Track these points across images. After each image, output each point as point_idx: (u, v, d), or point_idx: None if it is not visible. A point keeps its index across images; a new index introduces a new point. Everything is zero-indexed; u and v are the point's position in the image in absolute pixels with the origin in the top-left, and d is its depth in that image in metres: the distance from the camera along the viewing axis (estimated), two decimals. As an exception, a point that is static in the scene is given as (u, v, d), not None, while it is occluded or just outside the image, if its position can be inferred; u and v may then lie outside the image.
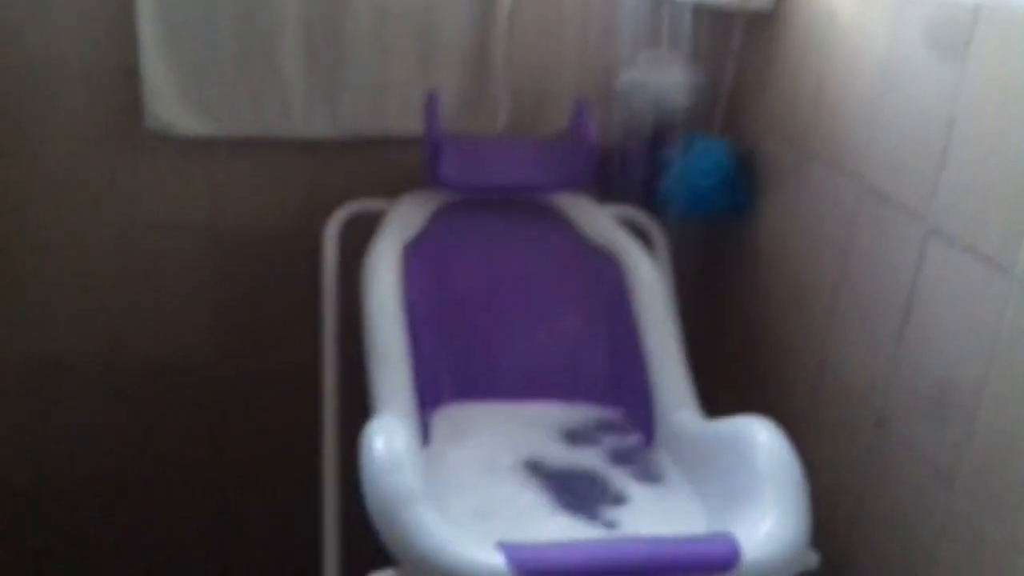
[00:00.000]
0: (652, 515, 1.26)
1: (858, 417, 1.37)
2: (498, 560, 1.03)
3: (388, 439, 1.15)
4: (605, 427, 1.45)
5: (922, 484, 1.24)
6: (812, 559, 1.16)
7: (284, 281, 1.71)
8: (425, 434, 1.37)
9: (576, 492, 1.29)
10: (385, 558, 1.10)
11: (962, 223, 1.17)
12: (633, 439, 1.43)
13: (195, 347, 1.79)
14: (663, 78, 1.65)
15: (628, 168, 1.70)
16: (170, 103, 1.58)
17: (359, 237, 1.53)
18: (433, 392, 1.43)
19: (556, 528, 1.22)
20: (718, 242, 1.81)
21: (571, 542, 1.10)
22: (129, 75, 1.56)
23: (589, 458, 1.38)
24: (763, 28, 1.67)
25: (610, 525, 1.23)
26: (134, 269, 1.72)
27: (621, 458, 1.38)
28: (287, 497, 1.54)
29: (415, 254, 1.50)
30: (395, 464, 1.12)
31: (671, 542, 1.10)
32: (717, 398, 1.45)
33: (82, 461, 1.84)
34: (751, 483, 1.18)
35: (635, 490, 1.31)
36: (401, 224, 1.53)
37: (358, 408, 1.33)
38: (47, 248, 1.68)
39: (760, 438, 1.22)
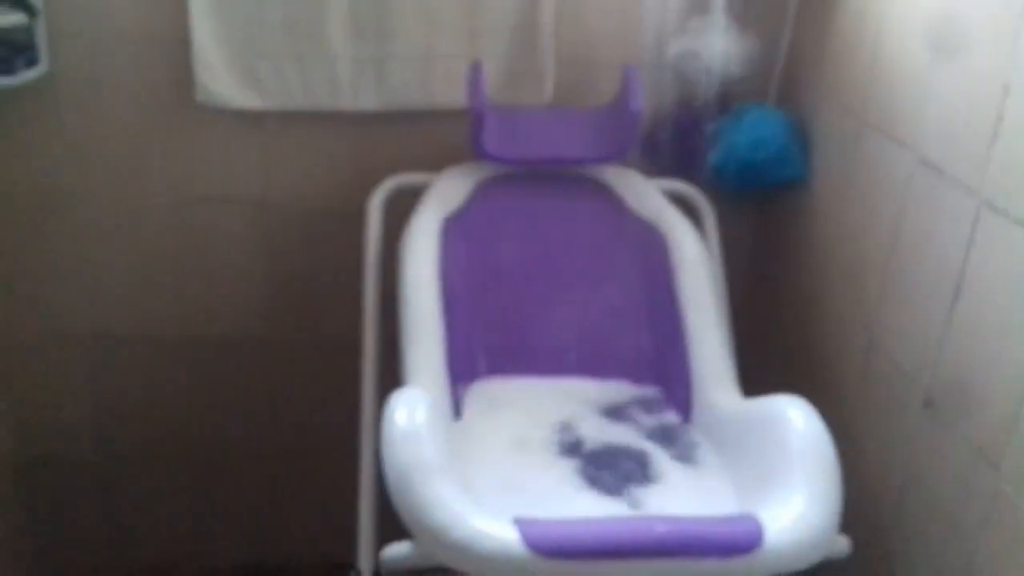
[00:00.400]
0: (681, 495, 1.23)
1: (907, 397, 1.32)
2: (512, 536, 1.02)
3: (408, 411, 1.14)
4: (641, 404, 1.42)
5: (968, 467, 1.18)
6: (842, 545, 1.12)
7: (333, 253, 1.72)
8: (457, 408, 1.36)
9: (605, 470, 1.27)
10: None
11: (1016, 196, 1.11)
12: (669, 417, 1.40)
13: (247, 317, 1.82)
14: (715, 47, 1.60)
15: (678, 140, 1.66)
16: (220, 76, 1.59)
17: (404, 210, 1.52)
18: (467, 366, 1.42)
19: (581, 505, 1.20)
20: (770, 216, 1.75)
21: (588, 520, 1.08)
22: (182, 48, 1.57)
23: (622, 435, 1.35)
24: (820, -6, 1.60)
25: (636, 504, 1.20)
26: (188, 241, 1.75)
27: (655, 437, 1.35)
28: (334, 465, 1.55)
29: (455, 228, 1.49)
30: (413, 436, 1.11)
31: (691, 523, 1.07)
32: (766, 377, 1.41)
33: (142, 429, 1.89)
34: (782, 464, 1.14)
35: (667, 469, 1.28)
36: (442, 197, 1.52)
37: (398, 380, 1.32)
38: (106, 222, 1.72)
39: (793, 418, 1.18)
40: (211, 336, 1.82)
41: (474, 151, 1.52)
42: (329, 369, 1.72)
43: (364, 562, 1.45)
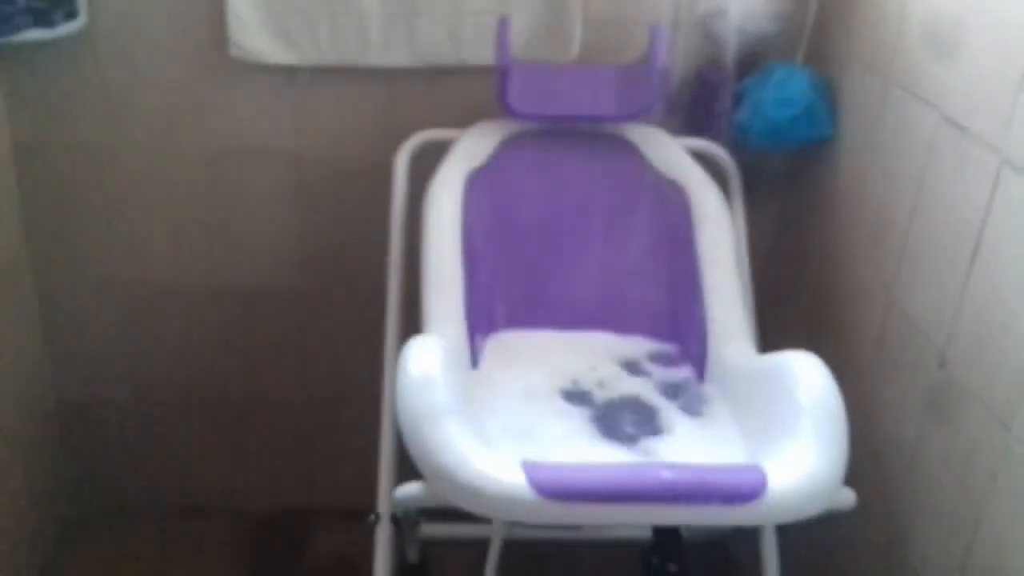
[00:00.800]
0: (690, 446, 1.25)
1: (923, 358, 1.32)
2: (519, 479, 1.04)
3: (421, 356, 1.17)
4: (657, 359, 1.44)
5: (980, 428, 1.19)
6: (848, 497, 1.13)
7: (363, 206, 1.75)
8: (475, 358, 1.39)
9: (616, 420, 1.29)
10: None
11: (1036, 155, 1.11)
12: (684, 372, 1.41)
13: (278, 268, 1.86)
14: (745, 5, 1.59)
15: (704, 99, 1.66)
16: (253, 32, 1.62)
17: (433, 165, 1.54)
18: (487, 318, 1.44)
19: (590, 453, 1.22)
20: (795, 176, 1.75)
21: (594, 465, 1.11)
22: (216, 4, 1.60)
23: (636, 388, 1.37)
24: (851, -49, 1.59)
25: (646, 454, 1.22)
26: (221, 193, 1.79)
27: (669, 391, 1.37)
28: (360, 414, 1.59)
29: (479, 182, 1.50)
30: (425, 380, 1.14)
31: (696, 470, 1.09)
32: (786, 336, 1.41)
33: (175, 375, 1.95)
34: (789, 416, 1.15)
35: (679, 422, 1.30)
36: (467, 152, 1.53)
37: (420, 331, 1.34)
38: (141, 174, 1.76)
39: (801, 372, 1.19)
40: (242, 286, 1.87)
41: (500, 107, 1.53)
42: (357, 320, 1.75)
43: (383, 506, 1.49)
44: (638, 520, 1.09)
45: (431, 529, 1.76)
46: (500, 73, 1.51)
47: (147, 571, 1.95)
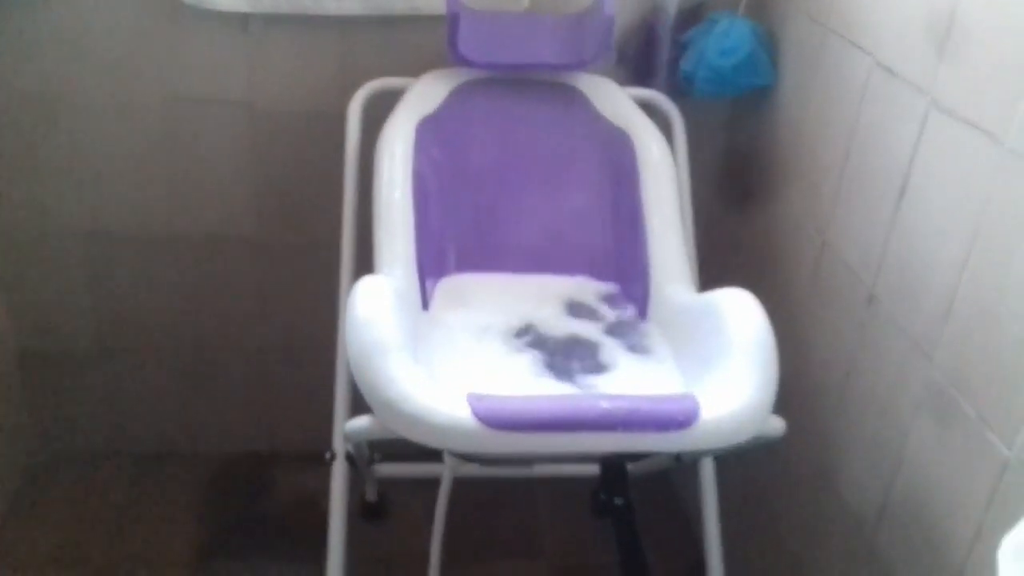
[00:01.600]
0: (631, 381, 1.30)
1: (852, 294, 1.38)
2: (463, 408, 1.09)
3: (368, 295, 1.21)
4: (602, 299, 1.49)
5: (904, 359, 1.25)
6: (777, 425, 1.19)
7: (318, 155, 1.77)
8: (426, 302, 1.43)
9: (563, 359, 1.33)
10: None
11: (962, 95, 1.15)
12: (627, 312, 1.46)
13: (235, 217, 1.88)
14: (690, -45, 1.63)
15: (651, 49, 1.70)
16: (205, -22, 1.64)
17: (386, 114, 1.56)
18: (437, 262, 1.48)
19: (536, 389, 1.27)
20: (738, 123, 1.80)
21: (536, 396, 1.15)
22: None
23: (581, 328, 1.42)
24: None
25: (588, 389, 1.27)
26: (177, 142, 1.81)
27: (613, 330, 1.42)
28: (319, 358, 1.62)
29: (429, 129, 1.53)
30: (372, 316, 1.18)
31: (632, 399, 1.14)
32: (727, 277, 1.46)
33: (137, 323, 1.98)
34: (721, 349, 1.21)
35: (621, 359, 1.35)
36: (418, 100, 1.56)
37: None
38: (96, 122, 1.77)
39: (734, 307, 1.25)
40: (201, 234, 1.90)
41: (449, 55, 1.56)
42: (315, 265, 1.78)
43: (338, 444, 1.54)
44: (578, 449, 1.13)
45: (387, 469, 1.81)
46: (449, 21, 1.53)
47: (112, 516, 1.98)
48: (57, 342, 1.98)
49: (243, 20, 1.69)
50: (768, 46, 1.64)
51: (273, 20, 1.70)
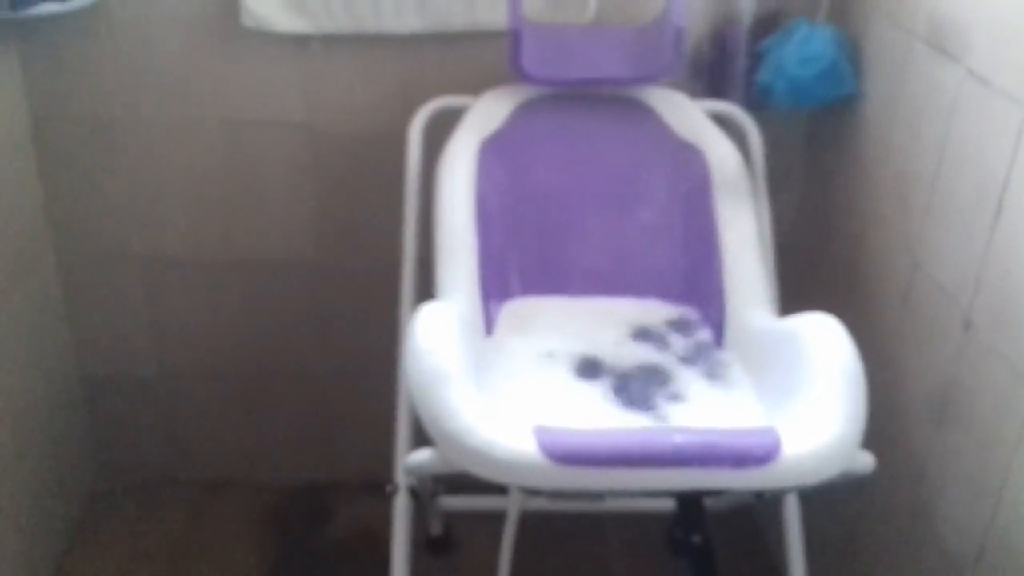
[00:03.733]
0: (707, 412, 1.22)
1: (947, 319, 1.29)
2: (530, 444, 1.03)
3: (430, 322, 1.16)
4: (674, 324, 1.41)
5: (1005, 388, 1.16)
6: (866, 461, 1.10)
7: (378, 177, 1.72)
8: (489, 326, 1.37)
9: (634, 388, 1.26)
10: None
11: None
12: (702, 337, 1.38)
13: (295, 240, 1.85)
14: (764, -38, 1.56)
15: (725, 61, 1.62)
16: (264, 0, 1.60)
17: (447, 133, 1.52)
18: (501, 285, 1.42)
19: (605, 419, 1.20)
20: (820, 137, 1.71)
21: (605, 430, 1.09)
22: (226, -27, 1.60)
23: (654, 354, 1.34)
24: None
25: (662, 420, 1.20)
26: (237, 166, 1.78)
27: (688, 356, 1.34)
28: (381, 386, 1.58)
29: (493, 149, 1.48)
30: (434, 345, 1.13)
31: (707, 433, 1.07)
32: (809, 300, 1.38)
33: (197, 349, 1.96)
34: (805, 379, 1.13)
35: (696, 388, 1.27)
36: (481, 119, 1.51)
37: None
38: (156, 146, 1.76)
39: (817, 334, 1.17)
40: (260, 259, 1.86)
41: (511, 72, 1.51)
42: (376, 290, 1.73)
43: (400, 477, 1.49)
44: (651, 485, 1.07)
45: (451, 502, 1.75)
46: (512, 37, 1.48)
47: (172, 546, 1.95)
48: (118, 368, 1.97)
49: (302, 41, 1.66)
50: (851, 54, 1.55)
51: (332, 40, 1.66)
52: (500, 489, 1.22)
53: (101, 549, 1.93)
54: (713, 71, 1.65)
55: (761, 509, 1.92)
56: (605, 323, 1.40)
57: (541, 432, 1.04)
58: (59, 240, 1.83)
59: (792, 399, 1.14)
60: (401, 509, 1.48)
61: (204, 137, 1.75)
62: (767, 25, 1.60)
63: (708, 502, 1.27)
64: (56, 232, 1.82)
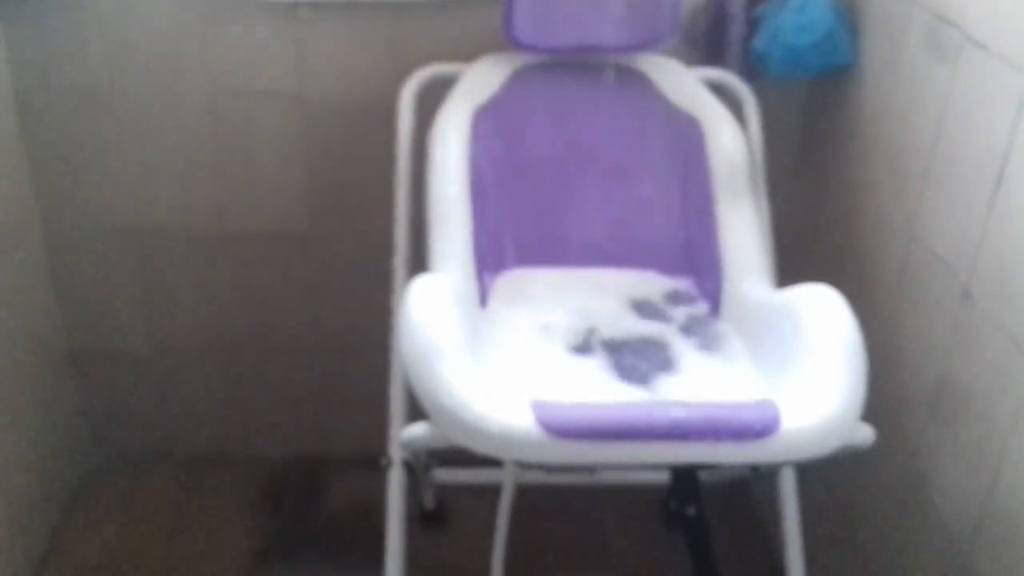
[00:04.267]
0: (705, 384, 1.21)
1: (945, 290, 1.27)
2: (527, 419, 1.02)
3: (423, 295, 1.14)
4: (671, 296, 1.40)
5: (1004, 360, 1.14)
6: (865, 433, 1.09)
7: (370, 147, 1.70)
8: (484, 297, 1.35)
9: (629, 359, 1.25)
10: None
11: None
12: (699, 309, 1.37)
13: (286, 212, 1.83)
14: (761, -73, 1.53)
15: (721, 28, 1.60)
16: (252, -33, 1.58)
17: (440, 102, 1.49)
18: (496, 256, 1.41)
19: (602, 392, 1.19)
20: (816, 106, 1.69)
21: (604, 404, 1.07)
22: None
23: (650, 326, 1.33)
24: None
25: (658, 392, 1.19)
26: (226, 137, 1.75)
27: (685, 328, 1.33)
28: (374, 359, 1.57)
29: (486, 118, 1.46)
30: (428, 318, 1.11)
31: (707, 407, 1.06)
32: (807, 270, 1.37)
33: (189, 323, 1.94)
34: (804, 351, 1.12)
35: (693, 359, 1.26)
36: (474, 87, 1.49)
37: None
38: (144, 118, 1.73)
39: (817, 305, 1.15)
40: (251, 231, 1.84)
41: (505, 38, 1.48)
42: (368, 262, 1.71)
43: (394, 451, 1.48)
44: (649, 459, 1.06)
45: (445, 475, 1.75)
46: (506, 3, 1.45)
47: (165, 520, 1.94)
48: (109, 343, 1.95)
49: (291, 9, 1.63)
50: (848, 22, 1.53)
51: (321, 7, 1.63)
52: (494, 462, 1.22)
53: (94, 524, 1.92)
54: (709, 38, 1.62)
55: (757, 481, 1.92)
56: (601, 295, 1.39)
57: (538, 406, 1.03)
58: (46, 214, 1.81)
59: (790, 371, 1.12)
60: (395, 483, 1.47)
61: (193, 108, 1.73)
62: (763, -8, 1.58)
63: (704, 475, 1.27)
64: (43, 206, 1.80)
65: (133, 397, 2.01)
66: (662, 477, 1.54)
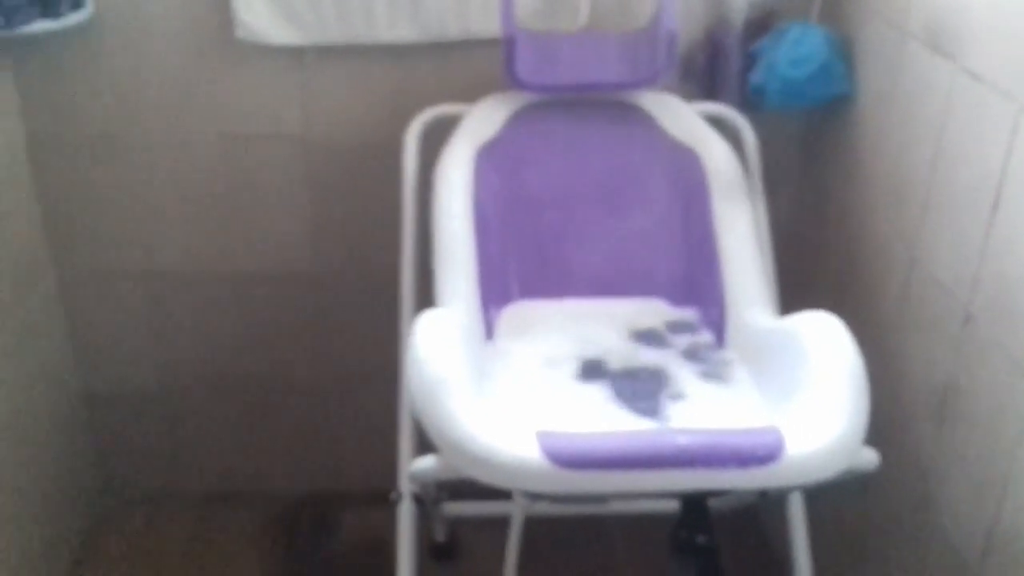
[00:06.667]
0: (711, 411, 1.22)
1: (947, 314, 1.29)
2: (534, 450, 1.03)
3: (430, 330, 1.16)
4: (675, 325, 1.41)
5: (1006, 381, 1.16)
6: (870, 458, 1.10)
7: (375, 187, 1.72)
8: (490, 331, 1.37)
9: (636, 388, 1.27)
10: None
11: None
12: (703, 338, 1.39)
13: (293, 252, 1.85)
14: (755, -36, 1.57)
15: (718, 63, 1.63)
16: (258, 12, 1.60)
17: (444, 142, 1.52)
18: (500, 290, 1.43)
19: (607, 421, 1.20)
20: (814, 137, 1.72)
21: (609, 433, 1.09)
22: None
23: (655, 356, 1.35)
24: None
25: (664, 421, 1.20)
26: (233, 179, 1.78)
27: (689, 357, 1.34)
28: (383, 395, 1.58)
29: (489, 156, 1.49)
30: (435, 352, 1.13)
31: (711, 434, 1.07)
32: (809, 298, 1.38)
33: (199, 362, 1.96)
34: (807, 378, 1.13)
35: (698, 388, 1.27)
36: (476, 127, 1.51)
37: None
38: (153, 160, 1.76)
39: (818, 332, 1.17)
40: (259, 271, 1.87)
41: (506, 79, 1.51)
42: (376, 299, 1.74)
43: (404, 485, 1.49)
44: (655, 487, 1.07)
45: (456, 508, 1.75)
46: (506, 44, 1.49)
47: (179, 559, 1.95)
48: (120, 383, 1.97)
49: (297, 53, 1.67)
50: (843, 54, 1.56)
51: (327, 52, 1.67)
52: (504, 494, 1.23)
53: (107, 564, 1.93)
54: (706, 73, 1.65)
55: (766, 508, 1.92)
56: (605, 325, 1.41)
57: (544, 437, 1.04)
58: (58, 256, 1.84)
59: (794, 398, 1.14)
60: (405, 517, 1.48)
61: (201, 151, 1.76)
62: (759, 26, 1.60)
63: (712, 502, 1.28)
64: (55, 249, 1.83)
65: (145, 437, 2.03)
66: (672, 506, 1.54)
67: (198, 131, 1.74)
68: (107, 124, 1.72)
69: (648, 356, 1.35)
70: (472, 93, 1.59)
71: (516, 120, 1.54)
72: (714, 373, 1.31)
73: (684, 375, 1.30)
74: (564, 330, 1.39)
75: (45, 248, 1.82)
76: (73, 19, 1.59)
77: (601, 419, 1.21)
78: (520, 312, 1.43)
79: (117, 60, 1.68)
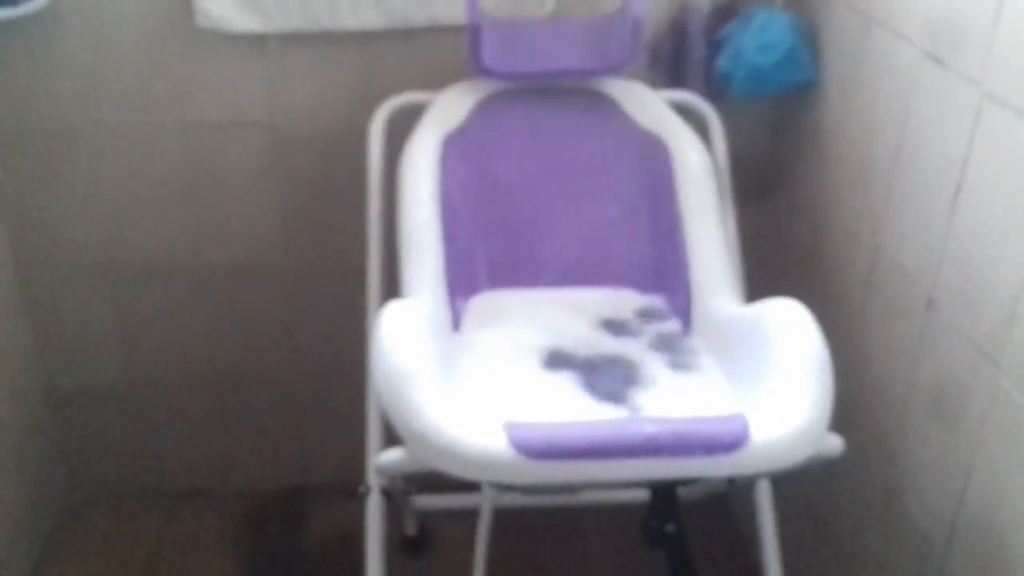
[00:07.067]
0: (677, 400, 1.22)
1: (910, 299, 1.29)
2: (501, 441, 1.02)
3: (394, 321, 1.15)
4: (643, 314, 1.41)
5: (969, 366, 1.16)
6: (834, 444, 1.11)
7: (343, 175, 1.71)
8: (457, 321, 1.36)
9: (601, 378, 1.26)
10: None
11: (1017, 86, 1.07)
12: (670, 326, 1.39)
13: (260, 242, 1.84)
14: (720, -49, 1.56)
15: (684, 50, 1.62)
16: (220, 0, 1.59)
17: (410, 130, 1.51)
18: (467, 280, 1.42)
19: (576, 412, 1.20)
20: (780, 124, 1.72)
21: (576, 423, 1.08)
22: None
23: (622, 345, 1.34)
24: None
25: (632, 410, 1.20)
26: (198, 168, 1.76)
27: (656, 345, 1.34)
28: (351, 388, 1.57)
29: (456, 144, 1.48)
30: (399, 344, 1.12)
31: (677, 422, 1.07)
32: (775, 285, 1.39)
33: (166, 357, 1.94)
34: (771, 364, 1.14)
35: (665, 376, 1.27)
36: (443, 115, 1.50)
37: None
38: (116, 152, 1.74)
39: (783, 319, 1.17)
40: (226, 263, 1.85)
41: (472, 67, 1.50)
42: (343, 291, 1.72)
43: (372, 478, 1.48)
44: (623, 476, 1.06)
45: (426, 501, 1.75)
46: (472, 32, 1.47)
47: (146, 555, 1.93)
48: (86, 379, 1.94)
49: (260, 41, 1.65)
50: (809, 40, 1.56)
51: (290, 39, 1.65)
52: (474, 486, 1.22)
53: (73, 563, 1.91)
54: (673, 60, 1.65)
55: (735, 495, 1.93)
56: (573, 314, 1.40)
57: (511, 427, 1.04)
58: (19, 251, 1.81)
59: (760, 385, 1.14)
60: (374, 510, 1.47)
61: (165, 141, 1.74)
62: (725, 13, 1.61)
63: (682, 491, 1.28)
64: (15, 243, 1.80)
65: (111, 433, 2.01)
66: (642, 496, 1.55)
67: (161, 120, 1.71)
68: (67, 113, 1.70)
69: (616, 345, 1.34)
70: (439, 81, 1.58)
71: (483, 108, 1.52)
72: (681, 362, 1.30)
73: (651, 363, 1.30)
74: (532, 320, 1.39)
75: (4, 242, 1.79)
76: (31, 6, 1.56)
77: (569, 409, 1.21)
78: (488, 302, 1.43)
79: (76, 48, 1.65)
